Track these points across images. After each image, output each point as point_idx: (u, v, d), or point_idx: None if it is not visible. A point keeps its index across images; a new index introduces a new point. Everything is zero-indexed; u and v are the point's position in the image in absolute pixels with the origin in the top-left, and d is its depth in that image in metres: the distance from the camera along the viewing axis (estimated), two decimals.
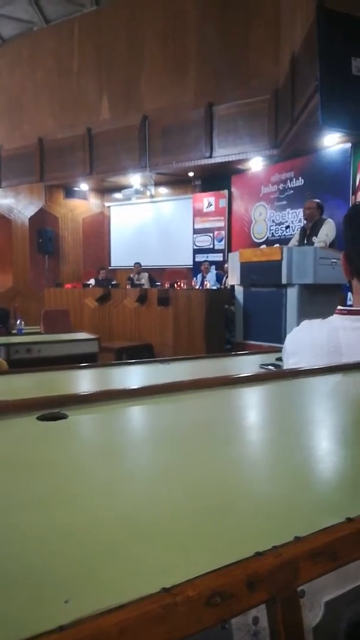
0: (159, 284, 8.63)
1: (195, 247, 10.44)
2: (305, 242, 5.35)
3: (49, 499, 0.44)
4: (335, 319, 1.13)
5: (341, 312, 1.13)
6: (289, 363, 1.14)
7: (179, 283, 7.56)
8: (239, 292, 5.36)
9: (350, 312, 1.12)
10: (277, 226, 8.95)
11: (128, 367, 1.85)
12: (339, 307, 1.16)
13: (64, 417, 0.67)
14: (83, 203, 11.44)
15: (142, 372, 1.77)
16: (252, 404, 0.83)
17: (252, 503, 0.44)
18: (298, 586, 0.36)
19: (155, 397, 0.79)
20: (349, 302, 1.39)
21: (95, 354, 4.48)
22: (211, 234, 10.32)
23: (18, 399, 0.72)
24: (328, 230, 5.27)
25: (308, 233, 5.45)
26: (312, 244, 5.16)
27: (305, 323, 1.18)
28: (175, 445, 0.60)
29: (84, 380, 1.44)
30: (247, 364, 1.56)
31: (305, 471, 0.52)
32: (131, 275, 9.54)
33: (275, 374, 1.00)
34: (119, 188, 10.79)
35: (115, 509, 0.43)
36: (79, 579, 0.33)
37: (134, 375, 1.62)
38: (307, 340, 1.11)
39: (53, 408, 0.70)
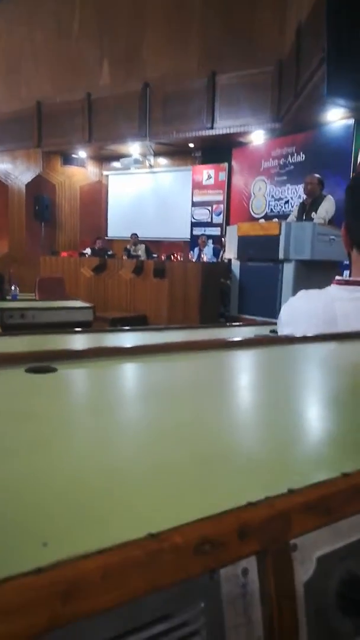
0: (155, 256, 8.56)
1: (193, 220, 10.33)
2: (304, 217, 5.29)
3: (35, 447, 0.43)
4: (332, 289, 1.11)
5: (339, 283, 1.11)
6: (283, 332, 1.12)
7: (175, 255, 7.51)
8: (236, 266, 5.33)
9: (348, 283, 1.10)
10: (277, 202, 8.86)
11: (122, 333, 1.84)
12: (337, 278, 1.14)
13: (53, 370, 0.65)
14: (81, 171, 11.25)
15: (136, 338, 1.76)
16: (245, 366, 0.81)
17: (245, 457, 0.43)
18: (290, 539, 0.35)
19: (148, 356, 0.77)
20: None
21: (89, 322, 4.45)
22: (210, 208, 10.21)
23: (7, 352, 0.70)
24: (328, 207, 5.22)
25: (307, 209, 5.39)
26: (311, 219, 5.11)
27: (302, 293, 1.16)
28: (167, 401, 0.58)
29: (77, 344, 1.42)
30: (241, 334, 1.54)
31: (300, 429, 0.51)
32: (128, 247, 9.46)
33: (270, 340, 0.98)
34: (118, 157, 10.61)
35: (103, 458, 0.41)
36: (59, 523, 0.31)
37: (127, 341, 1.61)
38: (303, 310, 1.09)
39: (42, 362, 0.68)
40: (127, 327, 1.95)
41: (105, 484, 0.36)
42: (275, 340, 0.97)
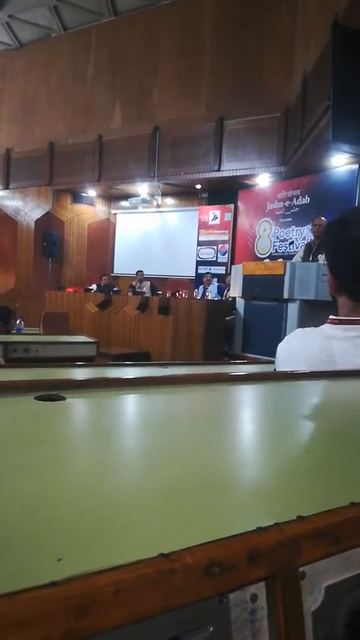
0: (160, 293, 8.63)
1: (198, 259, 10.47)
2: (311, 258, 5.36)
3: (45, 470, 0.43)
4: (326, 328, 1.12)
5: (332, 322, 1.12)
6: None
7: (180, 293, 7.57)
8: (240, 304, 5.37)
9: (341, 322, 1.11)
10: (281, 242, 8.98)
11: (126, 368, 1.84)
12: (331, 317, 1.15)
13: (62, 399, 0.66)
14: (90, 209, 11.49)
15: (140, 373, 1.76)
16: (248, 400, 0.82)
17: (253, 484, 0.43)
18: (300, 566, 0.35)
19: (154, 388, 0.78)
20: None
21: (92, 357, 4.46)
22: (215, 247, 10.36)
23: (17, 380, 0.71)
24: None
25: (315, 250, 5.46)
26: (317, 260, 5.18)
27: (298, 332, 1.17)
28: (174, 430, 0.58)
29: (82, 376, 1.43)
30: (243, 372, 1.54)
31: (306, 459, 0.51)
32: (133, 283, 9.56)
33: (272, 375, 0.99)
34: (126, 196, 10.85)
35: (113, 481, 0.42)
36: (73, 542, 0.32)
37: (131, 374, 1.61)
38: (299, 349, 1.10)
39: (51, 390, 0.69)
40: (130, 362, 1.97)
41: (118, 505, 0.37)
42: (276, 376, 0.98)
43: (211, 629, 0.31)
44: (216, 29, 9.08)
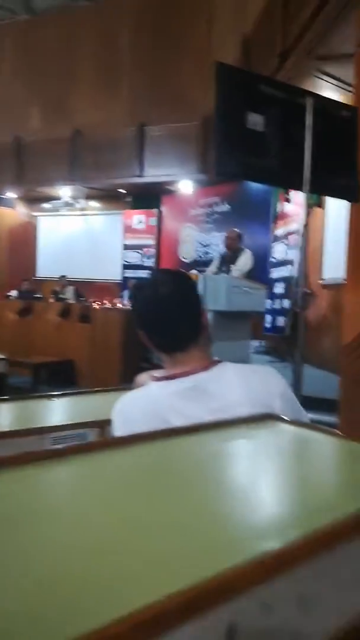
0: (83, 299, 8.53)
1: (124, 263, 10.46)
2: (224, 269, 5.50)
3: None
4: (154, 387, 1.14)
5: (158, 379, 1.15)
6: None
7: (99, 302, 7.54)
8: None
9: (166, 378, 1.14)
10: (204, 248, 9.15)
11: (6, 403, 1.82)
12: (154, 375, 1.19)
13: None
14: (10, 211, 11.16)
15: (18, 411, 1.74)
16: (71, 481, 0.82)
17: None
18: None
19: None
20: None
21: (3, 374, 4.35)
22: (141, 251, 10.39)
23: None
24: (246, 260, 5.47)
25: (227, 261, 5.61)
26: (230, 271, 5.34)
27: (128, 397, 1.17)
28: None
29: None
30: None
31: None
32: (56, 289, 9.38)
33: (111, 442, 1.01)
34: (49, 198, 10.62)
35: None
36: None
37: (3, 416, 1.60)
38: (135, 413, 1.11)
39: None
40: (16, 397, 1.94)
41: None
42: (117, 442, 1.01)
43: None
44: (134, 36, 9.08)
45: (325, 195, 4.99)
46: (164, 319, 1.16)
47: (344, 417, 3.13)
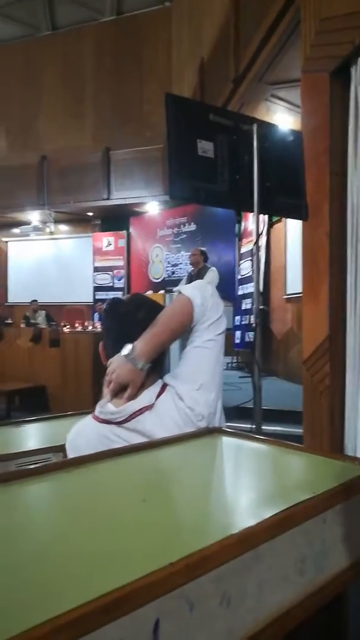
0: (53, 323, 8.52)
1: (95, 285, 10.49)
2: None
3: None
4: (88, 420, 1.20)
5: (97, 419, 1.17)
6: None
7: (68, 326, 7.54)
8: None
9: (106, 422, 1.15)
10: (173, 267, 9.27)
11: None
12: (95, 413, 1.19)
13: None
14: None
15: None
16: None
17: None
18: None
19: None
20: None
21: None
22: (111, 272, 10.45)
23: None
24: (211, 278, 5.57)
25: (194, 279, 5.72)
26: None
27: (75, 428, 1.22)
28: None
29: None
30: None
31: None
32: (27, 314, 9.34)
33: (66, 463, 1.06)
34: (17, 224, 10.64)
35: None
36: None
37: None
38: (84, 444, 1.15)
39: None
40: None
41: None
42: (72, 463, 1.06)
43: None
44: (97, 61, 9.28)
45: (275, 215, 5.15)
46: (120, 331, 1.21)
47: (307, 428, 3.21)
